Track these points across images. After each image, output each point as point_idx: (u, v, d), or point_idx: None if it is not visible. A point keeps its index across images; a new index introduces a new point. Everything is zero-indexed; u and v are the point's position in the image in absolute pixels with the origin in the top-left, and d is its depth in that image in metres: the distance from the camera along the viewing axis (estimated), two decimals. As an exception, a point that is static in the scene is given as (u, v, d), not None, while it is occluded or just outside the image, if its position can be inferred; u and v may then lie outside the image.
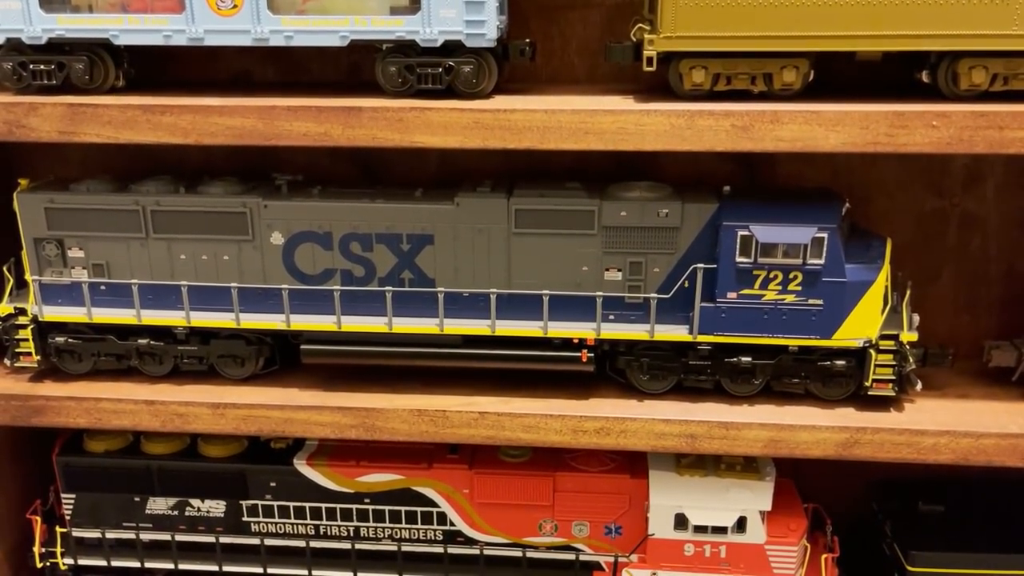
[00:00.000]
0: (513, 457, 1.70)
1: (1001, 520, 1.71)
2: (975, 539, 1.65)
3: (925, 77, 1.35)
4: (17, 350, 1.59)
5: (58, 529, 1.77)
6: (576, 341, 1.50)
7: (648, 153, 1.31)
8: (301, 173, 1.63)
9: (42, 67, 1.42)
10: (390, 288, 1.51)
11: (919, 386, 1.46)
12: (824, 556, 1.65)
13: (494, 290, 1.50)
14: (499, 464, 1.69)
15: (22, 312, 1.58)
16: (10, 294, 1.60)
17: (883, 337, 1.44)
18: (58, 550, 1.77)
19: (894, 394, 1.47)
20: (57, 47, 1.43)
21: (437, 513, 1.70)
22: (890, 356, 1.45)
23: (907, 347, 1.44)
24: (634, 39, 1.38)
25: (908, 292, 1.49)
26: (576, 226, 1.47)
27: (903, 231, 1.70)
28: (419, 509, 1.70)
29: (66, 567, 1.78)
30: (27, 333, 1.57)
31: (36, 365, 1.60)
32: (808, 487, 1.74)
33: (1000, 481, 1.74)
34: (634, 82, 1.57)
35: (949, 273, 1.74)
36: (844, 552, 1.68)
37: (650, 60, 1.33)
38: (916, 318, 1.48)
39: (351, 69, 1.69)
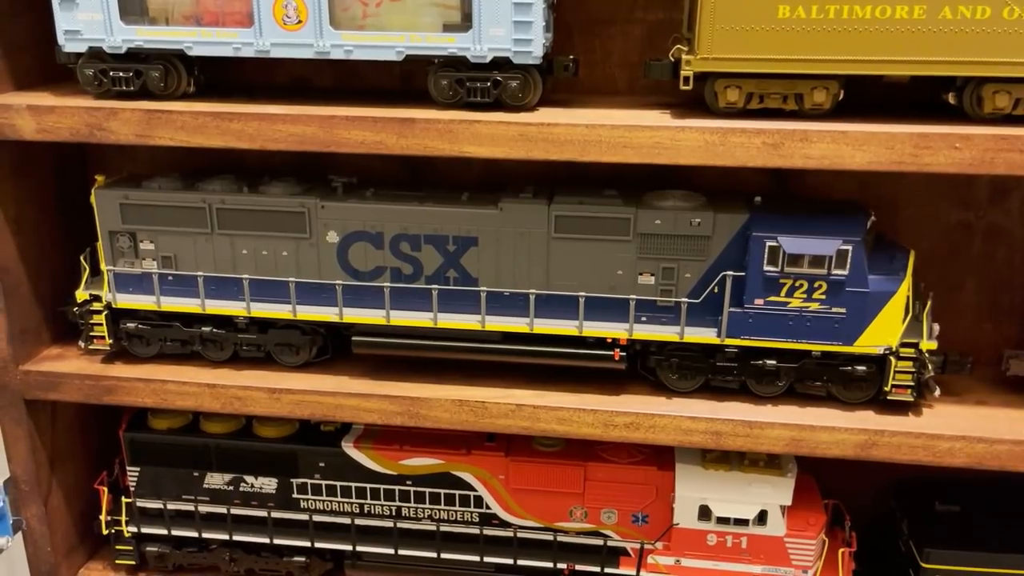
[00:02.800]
0: (546, 447, 1.78)
1: (1016, 521, 1.74)
2: (989, 538, 1.68)
3: (951, 99, 1.40)
4: (91, 333, 1.70)
5: (123, 499, 1.87)
6: (609, 340, 1.57)
7: (683, 159, 1.37)
8: (353, 171, 1.71)
9: (120, 74, 1.52)
10: (436, 286, 1.59)
11: (937, 392, 1.51)
12: (842, 550, 1.70)
13: (533, 290, 1.57)
14: (533, 453, 1.77)
15: (97, 298, 1.69)
16: (86, 282, 1.71)
17: (903, 345, 1.50)
18: (123, 518, 1.87)
19: (912, 399, 1.52)
20: (134, 56, 1.52)
21: (474, 496, 1.78)
22: (909, 363, 1.50)
23: (926, 355, 1.49)
24: (672, 58, 1.45)
25: (929, 302, 1.54)
26: (612, 232, 1.54)
27: (929, 241, 1.74)
28: (457, 492, 1.78)
29: (129, 534, 1.89)
30: (101, 318, 1.68)
31: (108, 348, 1.71)
32: (829, 484, 1.79)
33: (1016, 483, 1.74)
34: (671, 94, 1.62)
35: (973, 283, 1.78)
36: (861, 547, 1.73)
37: (687, 79, 1.40)
38: (936, 327, 1.52)
39: (403, 76, 1.77)
